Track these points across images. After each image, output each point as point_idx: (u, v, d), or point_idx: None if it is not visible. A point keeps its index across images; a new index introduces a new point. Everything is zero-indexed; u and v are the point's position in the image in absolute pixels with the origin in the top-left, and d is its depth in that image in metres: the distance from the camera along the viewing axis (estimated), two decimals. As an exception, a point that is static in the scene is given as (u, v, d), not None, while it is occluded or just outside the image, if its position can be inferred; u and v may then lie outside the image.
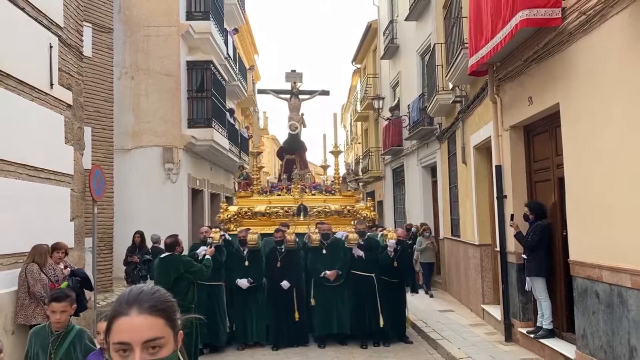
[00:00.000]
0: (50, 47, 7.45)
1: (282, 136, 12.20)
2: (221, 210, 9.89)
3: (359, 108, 24.28)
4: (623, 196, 4.63)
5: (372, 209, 10.42)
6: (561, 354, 5.95)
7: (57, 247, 6.62)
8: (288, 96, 11.50)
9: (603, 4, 4.80)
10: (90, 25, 9.69)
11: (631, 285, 4.55)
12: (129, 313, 1.19)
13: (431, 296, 11.70)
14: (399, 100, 17.56)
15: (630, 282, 4.55)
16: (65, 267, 6.63)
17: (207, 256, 7.37)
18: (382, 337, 8.06)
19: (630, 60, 4.48)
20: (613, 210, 4.79)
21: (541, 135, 6.82)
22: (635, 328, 4.53)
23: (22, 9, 6.81)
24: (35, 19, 7.15)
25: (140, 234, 10.00)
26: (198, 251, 7.66)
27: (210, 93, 14.42)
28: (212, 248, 7.60)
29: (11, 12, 6.58)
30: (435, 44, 11.85)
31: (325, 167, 11.77)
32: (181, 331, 1.30)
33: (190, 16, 14.29)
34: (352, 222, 9.64)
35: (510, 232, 7.19)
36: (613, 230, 4.82)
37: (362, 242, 8.14)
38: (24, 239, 6.51)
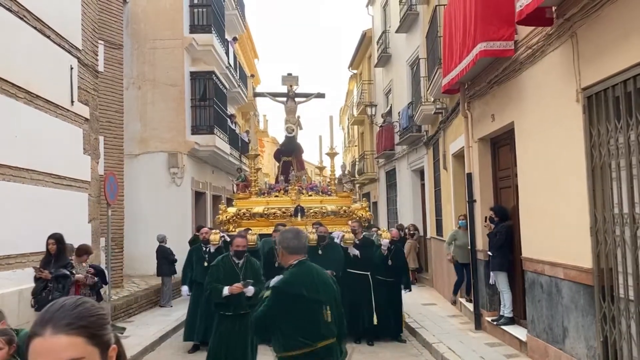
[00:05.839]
0: (71, 68, 8.40)
1: (282, 138, 12.52)
2: (220, 211, 10.18)
3: (355, 112, 25.21)
4: (557, 203, 5.57)
5: (367, 209, 10.79)
6: (517, 337, 6.89)
7: (89, 250, 7.45)
8: (284, 99, 11.77)
9: (543, 42, 5.73)
10: (102, 42, 10.60)
11: (564, 277, 5.48)
12: (43, 333, 1.10)
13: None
14: (391, 107, 18.49)
15: (563, 274, 5.49)
16: (92, 274, 7.15)
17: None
18: (374, 334, 8.32)
19: (562, 91, 5.40)
20: (550, 215, 5.73)
21: (504, 147, 7.74)
22: (566, 312, 5.46)
23: (48, 37, 7.77)
24: (59, 45, 8.10)
25: (55, 240, 6.69)
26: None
27: (212, 101, 15.35)
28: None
29: (39, 41, 7.54)
30: (420, 58, 12.75)
31: (321, 168, 12.26)
32: (114, 346, 1.19)
33: (193, 29, 15.21)
34: (348, 223, 10.27)
35: (478, 232, 8.13)
36: (550, 231, 5.75)
37: (357, 242, 8.44)
38: (50, 238, 7.44)
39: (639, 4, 4.10)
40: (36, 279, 6.57)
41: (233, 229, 9.55)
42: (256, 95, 20.65)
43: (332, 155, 11.48)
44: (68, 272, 6.57)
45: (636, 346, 4.39)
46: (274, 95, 12.17)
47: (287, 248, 3.56)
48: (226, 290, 5.87)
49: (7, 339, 3.84)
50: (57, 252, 6.71)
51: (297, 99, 11.88)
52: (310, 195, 10.60)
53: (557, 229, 5.60)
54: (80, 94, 8.77)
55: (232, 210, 10.14)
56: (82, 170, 8.79)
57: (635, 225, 4.36)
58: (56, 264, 6.59)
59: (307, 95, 12.16)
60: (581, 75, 5.00)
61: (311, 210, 10.00)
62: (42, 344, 1.09)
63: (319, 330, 3.44)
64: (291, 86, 11.84)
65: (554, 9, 5.31)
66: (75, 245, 7.33)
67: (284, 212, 9.95)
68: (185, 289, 8.34)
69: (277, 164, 12.80)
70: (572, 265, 5.30)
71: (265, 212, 10.01)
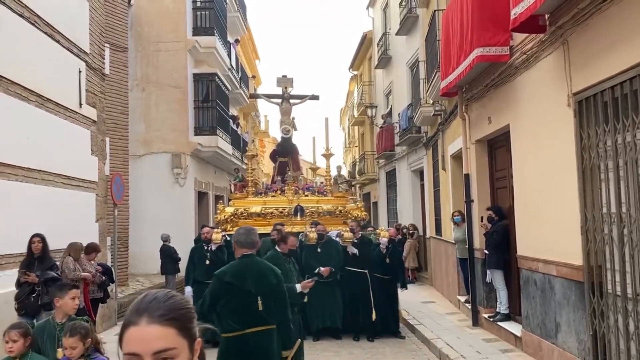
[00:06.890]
0: (80, 72, 8.62)
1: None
2: (218, 211, 10.34)
3: (355, 113, 25.43)
4: (549, 203, 5.80)
5: (362, 209, 10.97)
6: (512, 333, 7.12)
7: (97, 249, 7.67)
8: (279, 100, 11.93)
9: (537, 48, 5.95)
10: (108, 45, 10.82)
11: (556, 274, 5.71)
12: (139, 322, 1.16)
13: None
14: (391, 108, 18.71)
15: (556, 271, 5.71)
16: (101, 272, 7.41)
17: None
18: (373, 331, 8.47)
19: (555, 95, 5.62)
20: (543, 214, 5.95)
21: (501, 149, 7.96)
22: (559, 308, 5.69)
23: (58, 42, 7.99)
24: (67, 49, 8.32)
25: (41, 238, 6.35)
26: None
27: (214, 103, 15.60)
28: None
29: (49, 45, 7.77)
30: (420, 60, 12.97)
31: (315, 169, 12.40)
32: (199, 339, 1.25)
33: (196, 32, 15.45)
34: (347, 222, 10.44)
35: (475, 231, 8.36)
36: (544, 230, 5.98)
37: (355, 240, 8.63)
38: (60, 237, 7.63)
39: (626, 15, 4.33)
40: (20, 283, 6.03)
41: (231, 229, 9.69)
42: (252, 96, 20.89)
43: (327, 156, 11.62)
44: (57, 275, 6.16)
45: (623, 339, 4.62)
46: (269, 97, 12.34)
47: (238, 242, 4.14)
48: (299, 287, 5.87)
49: (22, 331, 4.06)
50: (42, 252, 6.29)
51: (292, 101, 12.04)
52: (307, 196, 10.74)
53: (550, 227, 5.83)
54: (88, 96, 8.99)
55: (229, 209, 10.27)
56: (90, 171, 9.02)
57: (622, 224, 4.59)
58: (41, 266, 6.11)
59: (302, 97, 12.34)
60: (572, 81, 5.23)
61: (308, 210, 10.13)
62: (137, 332, 1.15)
63: (247, 318, 3.95)
64: (286, 88, 11.99)
65: (546, 17, 5.53)
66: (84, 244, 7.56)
67: (281, 212, 10.12)
68: (188, 289, 8.39)
69: (273, 164, 12.98)
70: (563, 263, 5.52)
71: (263, 211, 10.16)
